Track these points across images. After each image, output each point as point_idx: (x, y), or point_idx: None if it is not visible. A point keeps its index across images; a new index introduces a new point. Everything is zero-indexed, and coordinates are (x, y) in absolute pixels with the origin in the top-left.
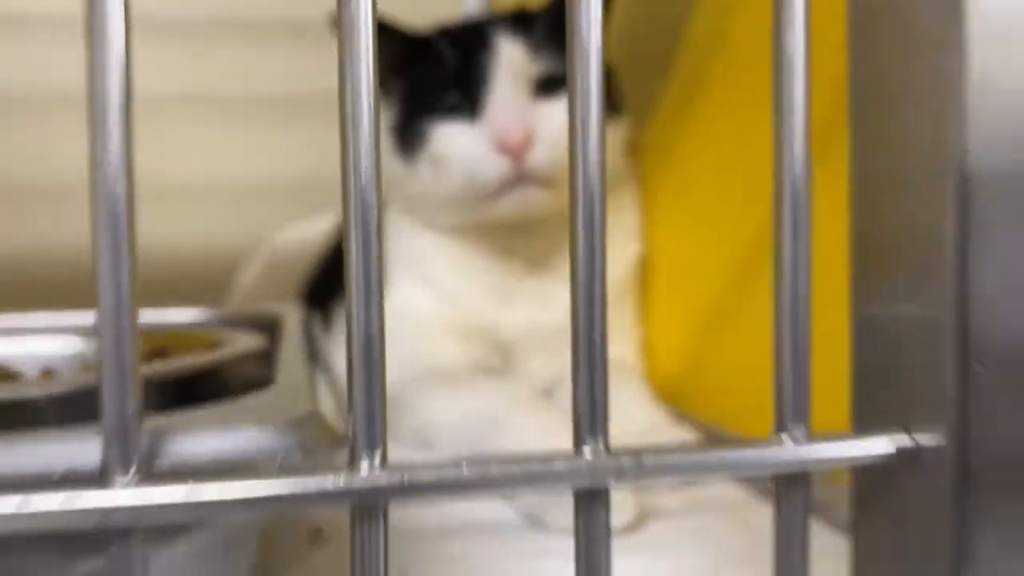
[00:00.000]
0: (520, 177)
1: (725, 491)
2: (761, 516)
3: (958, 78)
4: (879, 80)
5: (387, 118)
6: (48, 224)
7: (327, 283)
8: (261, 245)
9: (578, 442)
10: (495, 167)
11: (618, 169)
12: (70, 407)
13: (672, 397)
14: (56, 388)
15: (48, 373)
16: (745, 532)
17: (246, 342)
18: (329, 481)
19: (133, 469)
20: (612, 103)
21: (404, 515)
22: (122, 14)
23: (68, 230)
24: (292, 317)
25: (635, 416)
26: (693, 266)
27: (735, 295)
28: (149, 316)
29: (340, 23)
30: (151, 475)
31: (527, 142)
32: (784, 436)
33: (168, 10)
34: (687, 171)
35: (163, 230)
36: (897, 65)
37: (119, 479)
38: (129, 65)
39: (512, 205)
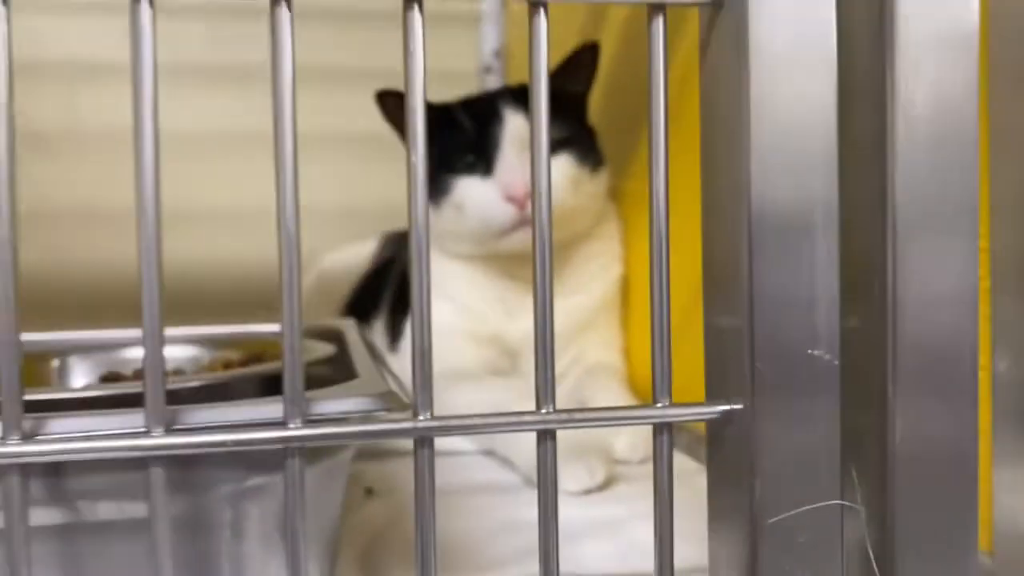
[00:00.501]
0: (523, 221)
1: (681, 463)
2: (703, 479)
3: (745, 122)
4: (717, 133)
5: None
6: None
7: (368, 302)
8: (310, 266)
9: (538, 404)
10: (504, 213)
11: (604, 209)
12: (212, 394)
13: (646, 393)
14: (204, 381)
15: (179, 371)
16: (689, 489)
17: (324, 349)
18: (404, 424)
19: (299, 418)
20: (596, 158)
21: (439, 480)
22: (291, 83)
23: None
24: (351, 329)
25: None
26: None
27: (689, 312)
28: (240, 328)
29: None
30: (308, 421)
31: (528, 194)
32: (658, 404)
33: (226, 58)
34: None
35: (233, 249)
36: (723, 116)
37: (292, 423)
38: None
39: (517, 242)
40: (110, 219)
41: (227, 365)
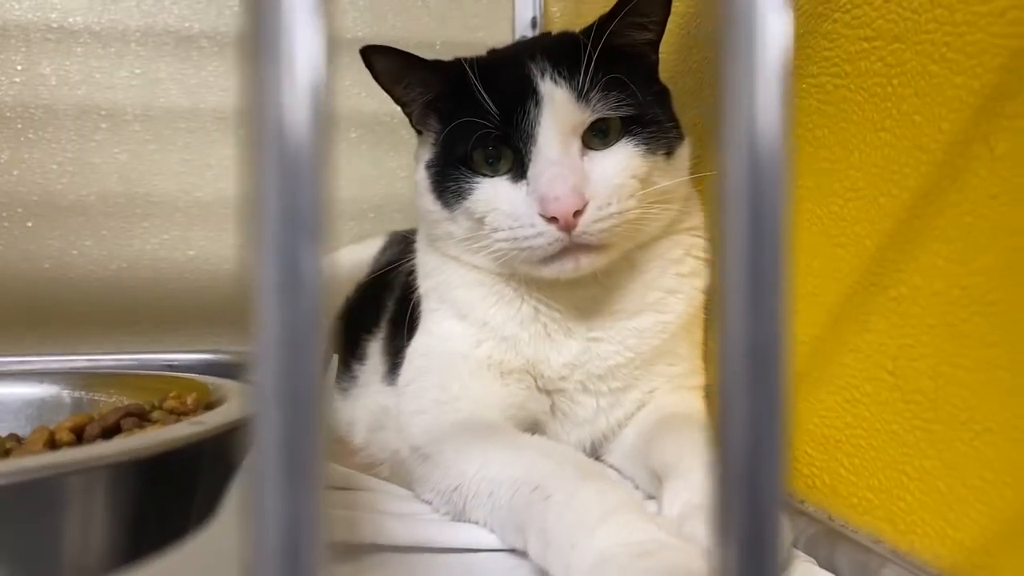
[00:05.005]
0: (573, 245)
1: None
2: None
3: None
4: None
5: (424, 154)
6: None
7: (365, 316)
8: None
9: None
10: (543, 236)
11: (686, 198)
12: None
13: None
14: None
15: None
16: None
17: (226, 411)
18: None
19: None
20: (673, 134)
21: None
22: None
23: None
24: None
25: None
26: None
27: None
28: (123, 358)
29: None
30: None
31: (580, 209)
32: None
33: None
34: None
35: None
36: None
37: None
38: None
39: (560, 271)
40: None
41: (76, 431)
